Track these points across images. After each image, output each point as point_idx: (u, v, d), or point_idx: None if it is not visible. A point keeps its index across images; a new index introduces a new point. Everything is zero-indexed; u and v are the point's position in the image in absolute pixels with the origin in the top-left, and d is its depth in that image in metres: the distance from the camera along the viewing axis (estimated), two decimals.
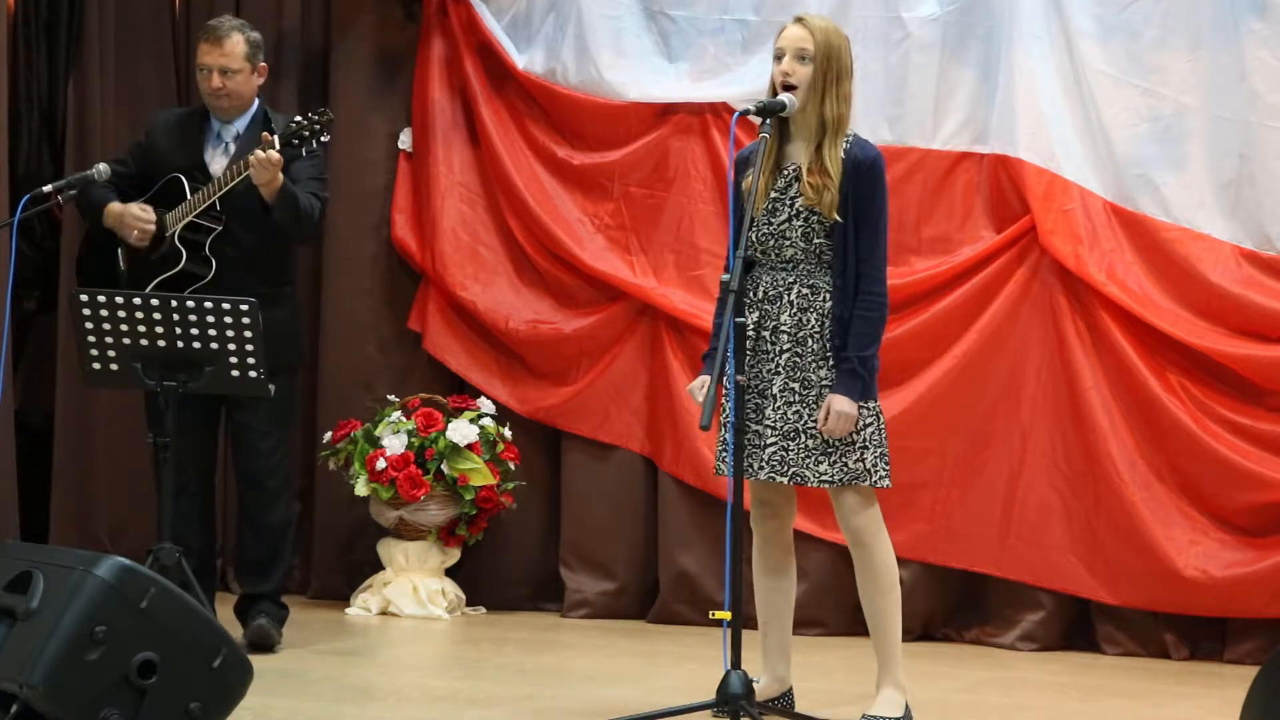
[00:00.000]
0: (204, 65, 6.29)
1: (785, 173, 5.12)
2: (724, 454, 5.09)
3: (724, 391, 5.07)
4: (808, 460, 5.05)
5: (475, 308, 7.44)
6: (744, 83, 7.06)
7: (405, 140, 7.63)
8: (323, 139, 6.07)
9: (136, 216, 6.24)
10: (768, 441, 5.07)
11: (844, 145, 5.08)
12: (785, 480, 5.08)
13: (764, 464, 5.07)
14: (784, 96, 5.06)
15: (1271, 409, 6.52)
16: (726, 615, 4.80)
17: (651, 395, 7.26)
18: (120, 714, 4.17)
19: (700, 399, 5.02)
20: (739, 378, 4.86)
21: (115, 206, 6.28)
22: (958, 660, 6.55)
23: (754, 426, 5.07)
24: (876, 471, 5.08)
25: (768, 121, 5.04)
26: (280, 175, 6.01)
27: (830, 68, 5.06)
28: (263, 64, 6.37)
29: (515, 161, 7.42)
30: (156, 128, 6.48)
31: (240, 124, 6.32)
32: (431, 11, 7.54)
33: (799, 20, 5.13)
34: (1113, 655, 6.64)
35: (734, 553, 4.81)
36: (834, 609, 6.93)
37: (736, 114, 5.19)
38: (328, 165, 6.64)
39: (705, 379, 5.09)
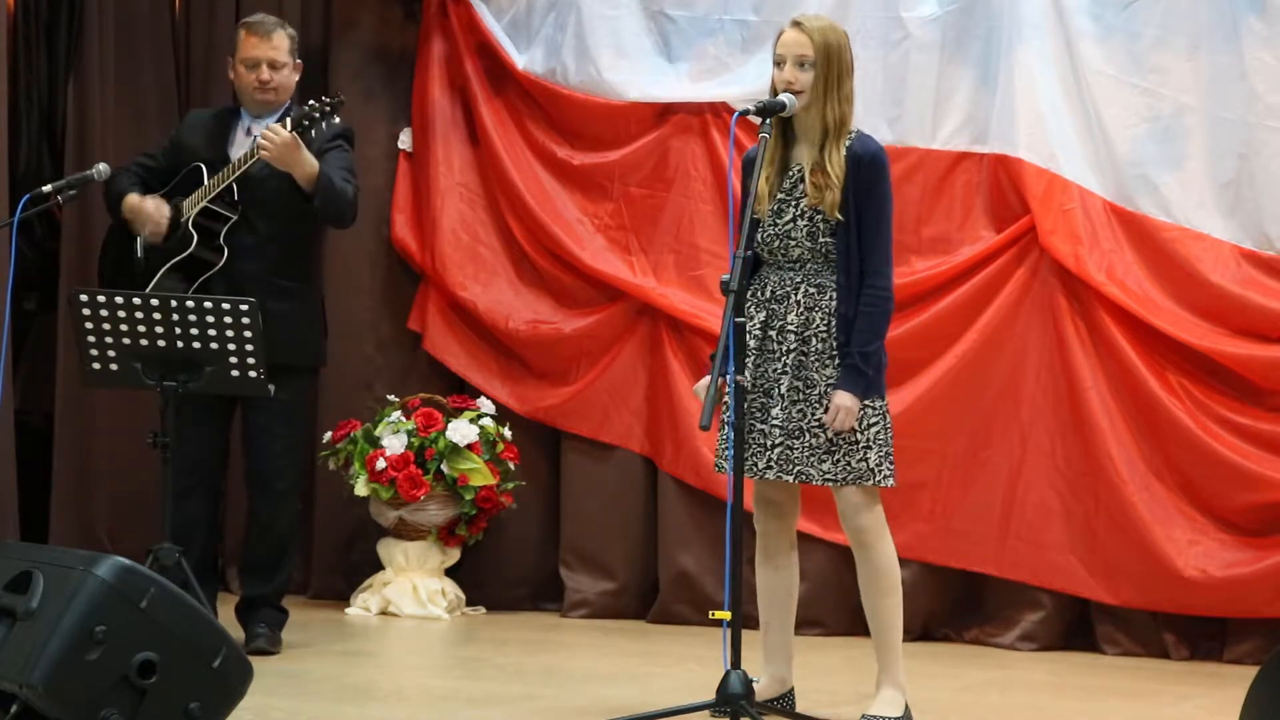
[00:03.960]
0: (251, 59, 6.28)
1: (791, 174, 5.12)
2: (726, 450, 5.09)
3: (727, 390, 5.08)
4: (811, 459, 5.05)
5: (475, 308, 7.45)
6: (744, 83, 7.06)
7: (405, 140, 7.64)
8: (333, 120, 6.08)
9: (151, 213, 6.24)
10: (775, 441, 5.07)
11: (847, 143, 5.08)
12: (790, 479, 5.08)
13: (770, 463, 5.07)
14: (784, 97, 5.06)
15: (1271, 409, 6.52)
16: (726, 615, 4.80)
17: (651, 395, 7.26)
18: (120, 714, 4.17)
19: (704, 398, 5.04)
20: (739, 378, 4.86)
21: (133, 198, 6.30)
22: (958, 660, 6.55)
23: (760, 426, 5.08)
24: (880, 471, 5.08)
25: (768, 121, 5.04)
26: (305, 154, 6.00)
27: (831, 70, 5.06)
28: (298, 61, 6.39)
29: (515, 161, 7.42)
30: (188, 124, 6.53)
31: (271, 119, 6.30)
32: (431, 11, 7.55)
33: (796, 24, 5.12)
34: (1113, 655, 6.64)
35: (734, 553, 4.81)
36: (834, 609, 6.93)
37: (736, 114, 5.19)
38: None
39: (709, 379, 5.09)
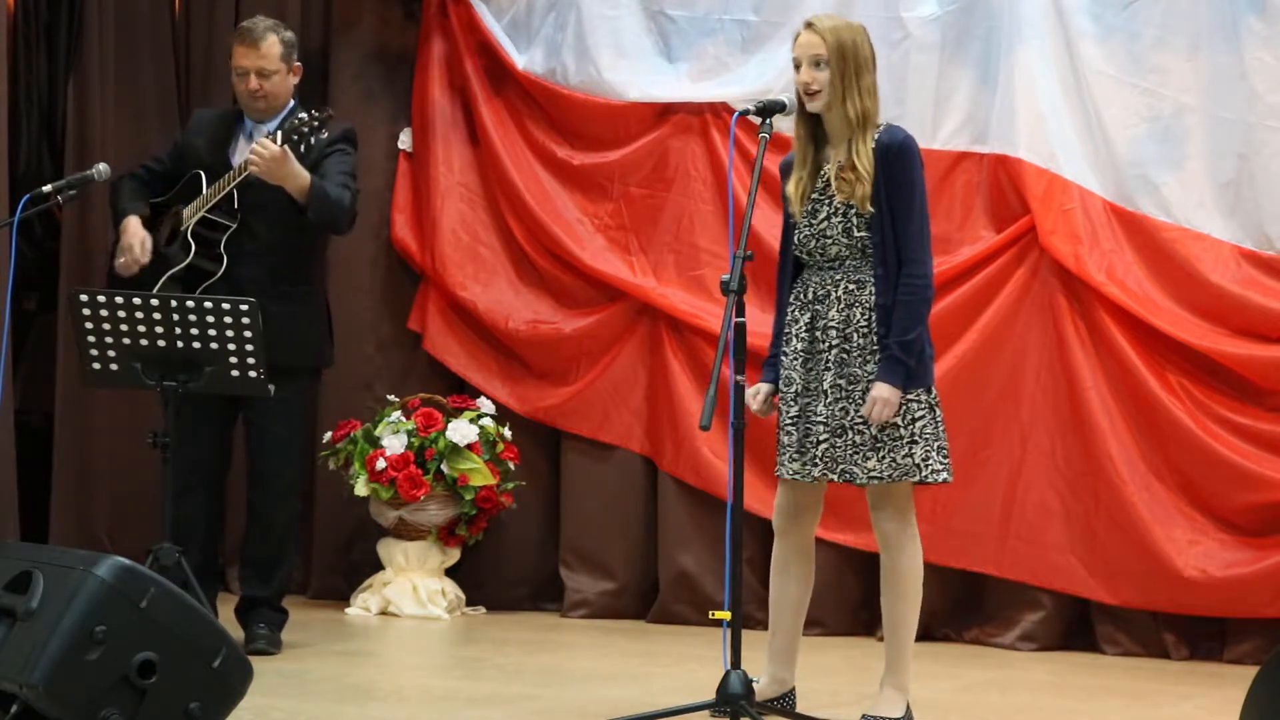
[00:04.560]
0: (241, 68, 6.26)
1: (824, 174, 5.12)
2: (783, 456, 5.09)
3: (781, 395, 5.13)
4: (856, 456, 5.02)
5: (475, 308, 7.45)
6: (744, 83, 7.06)
7: (405, 140, 7.64)
8: (321, 135, 6.06)
9: (133, 248, 6.19)
10: (820, 438, 5.05)
11: (875, 135, 5.08)
12: (835, 478, 5.04)
13: (816, 461, 5.06)
14: (784, 96, 5.08)
15: (1271, 409, 6.52)
16: (726, 615, 4.80)
17: (651, 395, 7.26)
18: (120, 714, 4.17)
19: (755, 406, 5.10)
20: (738, 378, 4.86)
21: (132, 224, 6.23)
22: (958, 660, 6.55)
23: (811, 429, 5.07)
24: (929, 465, 5.04)
25: (768, 121, 5.05)
26: (295, 168, 5.98)
27: (847, 67, 5.05)
28: (297, 64, 6.36)
29: (515, 161, 7.42)
30: (193, 126, 6.51)
31: (272, 124, 6.27)
32: (431, 11, 7.55)
33: (809, 25, 5.11)
34: (1113, 655, 6.64)
35: (734, 553, 4.81)
36: (834, 609, 6.93)
37: (736, 114, 5.19)
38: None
39: (761, 386, 5.16)
